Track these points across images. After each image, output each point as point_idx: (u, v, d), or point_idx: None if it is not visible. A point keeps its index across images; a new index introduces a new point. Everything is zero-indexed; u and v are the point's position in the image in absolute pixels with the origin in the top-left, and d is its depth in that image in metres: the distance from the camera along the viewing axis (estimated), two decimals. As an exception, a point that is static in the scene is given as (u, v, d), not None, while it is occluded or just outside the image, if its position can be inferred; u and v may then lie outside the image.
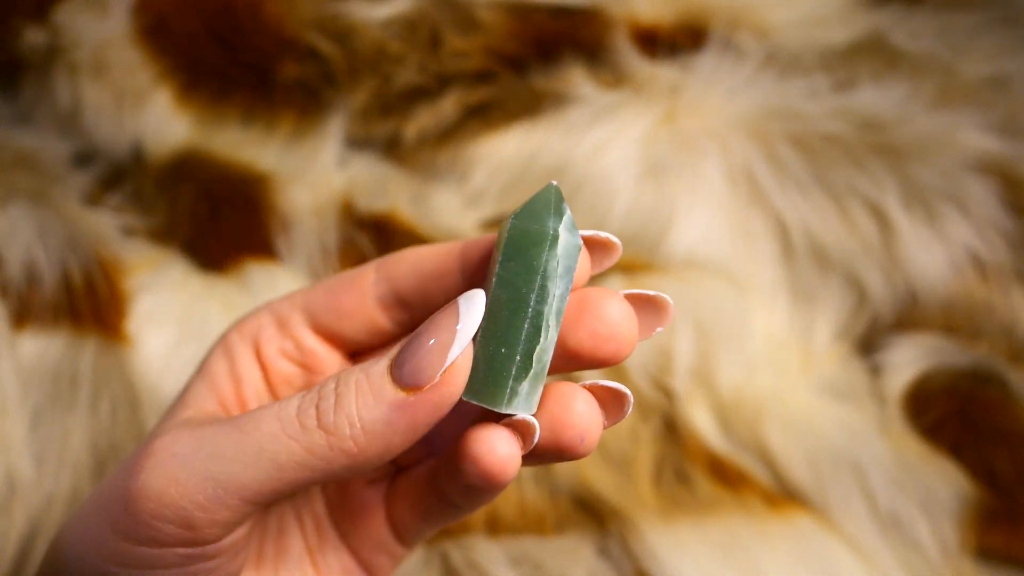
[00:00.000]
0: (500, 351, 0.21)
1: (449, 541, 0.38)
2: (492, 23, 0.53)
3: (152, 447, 0.21)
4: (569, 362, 0.22)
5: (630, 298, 0.22)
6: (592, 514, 0.40)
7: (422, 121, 0.53)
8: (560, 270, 0.21)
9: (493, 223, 0.50)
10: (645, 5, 0.55)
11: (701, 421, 0.43)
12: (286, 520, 0.26)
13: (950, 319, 0.47)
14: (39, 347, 0.40)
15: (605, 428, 0.22)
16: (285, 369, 0.25)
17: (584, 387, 0.22)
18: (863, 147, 0.48)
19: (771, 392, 0.44)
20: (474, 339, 0.21)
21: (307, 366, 0.25)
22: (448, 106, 0.52)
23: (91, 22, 0.54)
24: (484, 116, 0.52)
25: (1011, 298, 0.46)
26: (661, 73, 0.52)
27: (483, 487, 0.22)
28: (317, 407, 0.20)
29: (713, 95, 0.51)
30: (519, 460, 0.21)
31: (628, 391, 0.22)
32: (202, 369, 0.25)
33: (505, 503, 0.40)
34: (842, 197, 0.47)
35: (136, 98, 0.54)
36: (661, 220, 0.48)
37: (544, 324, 0.21)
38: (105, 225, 0.49)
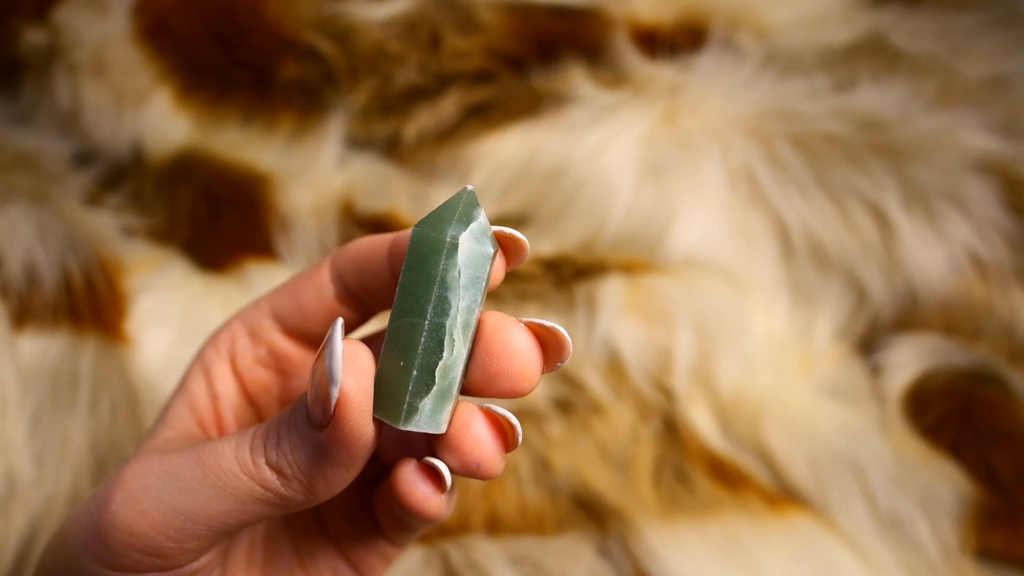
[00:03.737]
0: (399, 365, 0.20)
1: (449, 541, 0.38)
2: (492, 23, 0.53)
3: (123, 477, 0.22)
4: (471, 394, 0.21)
5: (532, 328, 0.21)
6: (592, 514, 0.40)
7: (422, 121, 0.53)
8: (464, 280, 0.19)
9: (493, 223, 0.50)
10: (645, 5, 0.55)
11: (701, 421, 0.43)
12: (275, 523, 0.26)
13: (950, 319, 0.47)
14: (39, 347, 0.40)
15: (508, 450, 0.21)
16: (262, 377, 0.25)
17: (480, 410, 0.21)
18: (863, 147, 0.48)
19: (771, 392, 0.44)
20: (378, 354, 0.20)
21: (283, 371, 0.25)
22: (448, 106, 0.52)
23: (91, 22, 0.54)
24: (484, 116, 0.52)
25: (1011, 298, 0.46)
26: (661, 73, 0.52)
27: (415, 520, 0.22)
28: (265, 445, 0.21)
29: (713, 95, 0.51)
30: (439, 498, 0.21)
31: (516, 423, 0.21)
32: (181, 387, 0.25)
33: (505, 503, 0.40)
34: (842, 197, 0.47)
35: (136, 98, 0.54)
36: (661, 220, 0.48)
37: (447, 338, 0.20)
38: (105, 225, 0.49)
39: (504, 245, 0.21)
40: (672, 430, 0.43)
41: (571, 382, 0.44)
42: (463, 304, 0.20)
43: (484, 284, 0.20)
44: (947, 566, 0.38)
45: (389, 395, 0.20)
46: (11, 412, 0.37)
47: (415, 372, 0.20)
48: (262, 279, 0.47)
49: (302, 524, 0.26)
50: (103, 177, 0.53)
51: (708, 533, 0.39)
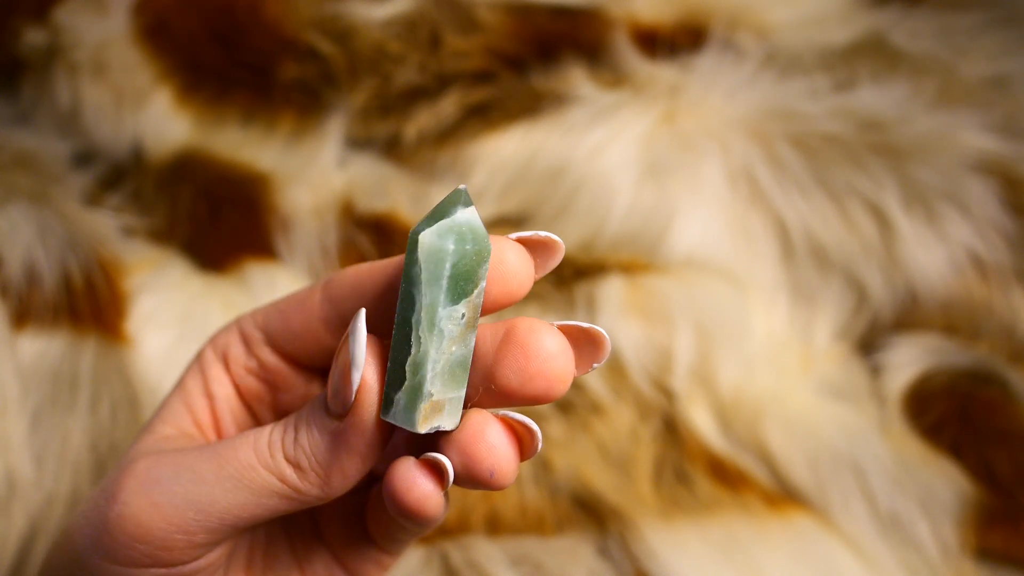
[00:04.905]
0: (391, 355, 0.21)
1: (449, 541, 0.38)
2: (492, 23, 0.53)
3: (133, 470, 0.22)
4: (500, 400, 0.21)
5: (564, 330, 0.21)
6: (592, 514, 0.40)
7: (422, 121, 0.53)
8: (425, 277, 0.19)
9: (493, 223, 0.50)
10: (645, 5, 0.55)
11: (701, 421, 0.43)
12: (274, 528, 0.26)
13: (950, 319, 0.47)
14: (39, 347, 0.40)
15: (523, 458, 0.21)
16: (253, 386, 0.25)
17: (497, 417, 0.21)
18: (863, 147, 0.48)
19: (771, 392, 0.44)
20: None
21: (272, 384, 0.25)
22: (448, 106, 0.52)
23: (91, 22, 0.54)
24: (484, 116, 0.52)
25: (1011, 298, 0.46)
26: (661, 73, 0.52)
27: (409, 521, 0.21)
28: (283, 440, 0.21)
29: (713, 95, 0.51)
30: (439, 497, 0.21)
31: (536, 428, 0.20)
32: (180, 385, 0.25)
33: (505, 503, 0.40)
34: (842, 197, 0.47)
35: (136, 98, 0.54)
36: (661, 220, 0.48)
37: (413, 334, 0.20)
38: (105, 225, 0.49)
39: (532, 250, 0.21)
40: (672, 430, 0.43)
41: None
42: (425, 302, 0.19)
43: (445, 283, 0.19)
44: (947, 566, 0.38)
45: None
46: (11, 412, 0.37)
47: (390, 364, 0.20)
48: (262, 279, 0.47)
49: (300, 531, 0.26)
50: (103, 177, 0.53)
51: (708, 533, 0.39)
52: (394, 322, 0.20)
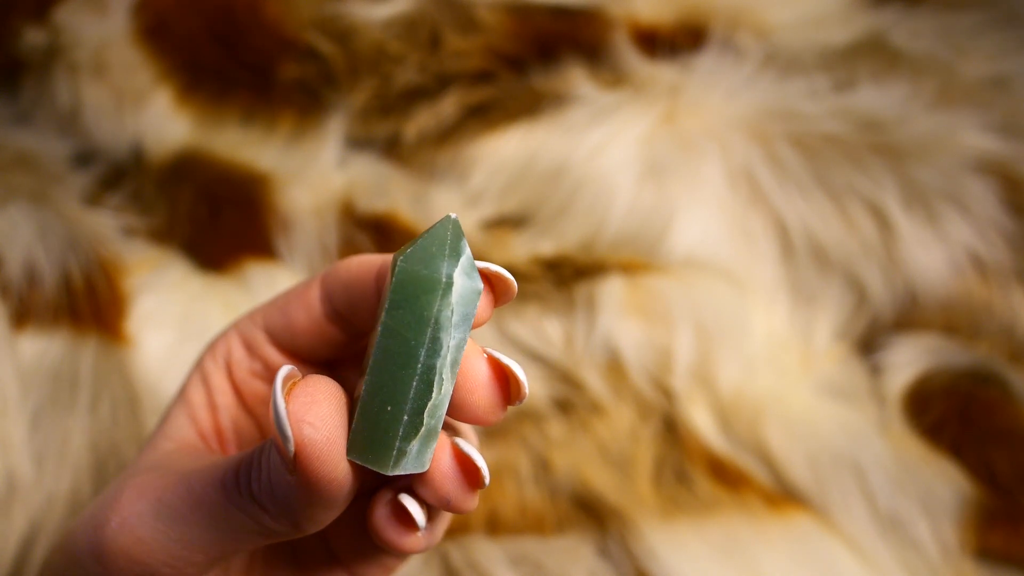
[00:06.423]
0: (386, 409, 0.19)
1: (449, 541, 0.38)
2: (492, 23, 0.53)
3: (120, 501, 0.21)
4: None
5: (493, 360, 0.20)
6: (592, 514, 0.40)
7: (422, 121, 0.53)
8: (456, 319, 0.19)
9: (493, 223, 0.50)
10: (645, 5, 0.55)
11: (701, 421, 0.43)
12: None
13: (950, 319, 0.47)
14: (39, 347, 0.40)
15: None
16: (259, 390, 0.25)
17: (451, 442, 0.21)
18: (863, 147, 0.48)
19: (771, 392, 0.44)
20: (356, 396, 0.20)
21: None
22: (448, 106, 0.52)
23: (91, 22, 0.54)
24: (484, 116, 0.52)
25: (1011, 298, 0.46)
26: (661, 73, 0.52)
27: (393, 552, 0.21)
28: (250, 477, 0.20)
29: (713, 95, 0.51)
30: (414, 537, 0.21)
31: (482, 464, 0.20)
32: (181, 396, 0.25)
33: (505, 503, 0.40)
34: (842, 197, 0.47)
35: (136, 98, 0.54)
36: (661, 220, 0.48)
37: (437, 379, 0.19)
38: (105, 225, 0.49)
39: (492, 283, 0.21)
40: (672, 430, 0.43)
41: (571, 382, 0.44)
42: (453, 342, 0.19)
43: (471, 320, 0.19)
44: (947, 566, 0.38)
45: (375, 441, 0.19)
46: (11, 412, 0.37)
47: (406, 417, 0.19)
48: (262, 279, 0.47)
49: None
50: (103, 177, 0.53)
51: (708, 533, 0.39)
52: (382, 371, 0.19)
